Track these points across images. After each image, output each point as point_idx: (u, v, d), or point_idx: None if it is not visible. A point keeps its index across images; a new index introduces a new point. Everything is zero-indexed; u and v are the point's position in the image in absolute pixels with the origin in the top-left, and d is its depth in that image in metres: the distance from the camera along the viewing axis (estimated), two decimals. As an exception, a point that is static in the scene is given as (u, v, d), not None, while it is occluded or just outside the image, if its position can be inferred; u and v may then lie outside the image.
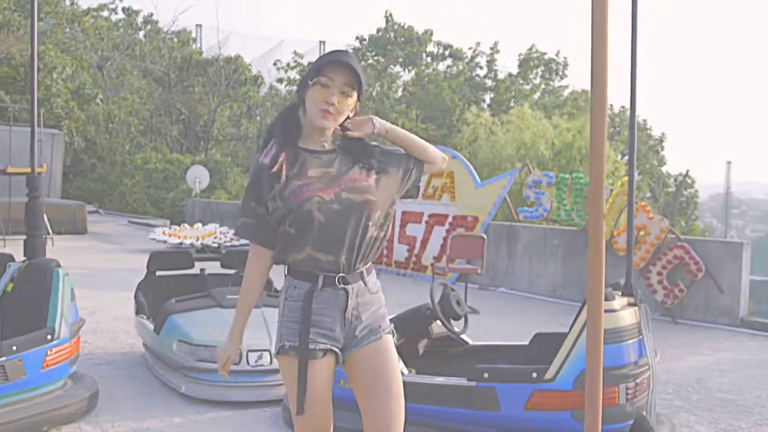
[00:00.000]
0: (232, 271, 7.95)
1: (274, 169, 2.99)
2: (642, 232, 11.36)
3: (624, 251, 11.44)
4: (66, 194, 32.48)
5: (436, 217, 14.86)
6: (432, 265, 13.42)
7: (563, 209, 12.65)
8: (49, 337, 5.48)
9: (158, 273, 7.69)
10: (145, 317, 7.09)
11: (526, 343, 6.03)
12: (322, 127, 3.03)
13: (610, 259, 11.81)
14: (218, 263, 7.99)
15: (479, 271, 11.48)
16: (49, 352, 5.46)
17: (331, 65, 2.98)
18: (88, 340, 8.16)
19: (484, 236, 11.56)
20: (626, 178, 12.67)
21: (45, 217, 18.61)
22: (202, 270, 7.99)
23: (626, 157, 28.44)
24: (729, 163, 70.12)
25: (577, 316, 5.10)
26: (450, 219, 14.58)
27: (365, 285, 3.09)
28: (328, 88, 2.97)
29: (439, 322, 5.54)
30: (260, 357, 6.01)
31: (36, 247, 6.20)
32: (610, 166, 23.83)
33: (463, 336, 5.84)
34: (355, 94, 3.04)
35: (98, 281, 12.70)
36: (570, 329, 5.01)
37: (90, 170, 36.93)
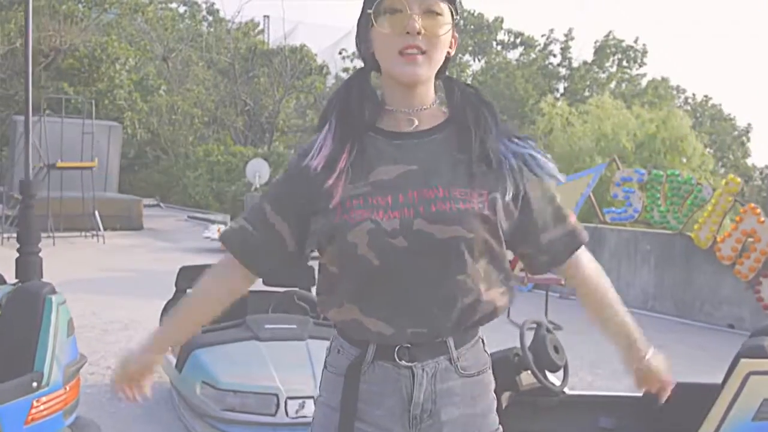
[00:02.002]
0: (278, 289, 6.74)
1: (317, 165, 1.89)
2: (751, 239, 9.94)
3: (730, 259, 10.08)
4: (130, 186, 32.47)
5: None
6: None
7: (657, 210, 11.28)
8: (35, 384, 4.32)
9: (189, 291, 6.52)
10: (170, 348, 5.92)
11: (639, 394, 4.68)
12: (409, 80, 1.88)
13: (713, 268, 10.46)
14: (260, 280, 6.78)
15: (563, 282, 10.12)
16: (35, 403, 4.31)
17: None
18: (112, 364, 7.06)
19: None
20: (731, 176, 11.29)
21: (96, 213, 18.39)
22: (241, 286, 6.79)
23: (709, 150, 26.76)
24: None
25: (735, 363, 3.73)
26: (528, 219, 13.25)
27: (452, 363, 1.89)
28: (402, 11, 1.84)
29: (530, 372, 4.24)
30: (302, 406, 4.78)
31: (29, 266, 5.07)
32: (697, 159, 22.20)
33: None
34: (447, 11, 1.89)
35: (142, 286, 11.71)
36: (723, 384, 3.67)
37: (154, 162, 36.69)
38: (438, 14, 1.85)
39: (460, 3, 1.96)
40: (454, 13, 1.89)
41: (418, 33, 1.82)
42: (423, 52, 1.85)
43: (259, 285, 6.55)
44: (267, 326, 5.36)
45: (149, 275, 13.09)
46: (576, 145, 21.88)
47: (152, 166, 36.54)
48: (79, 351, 4.87)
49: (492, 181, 1.88)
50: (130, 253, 16.30)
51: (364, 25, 1.93)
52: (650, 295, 11.69)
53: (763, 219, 9.97)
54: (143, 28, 38.30)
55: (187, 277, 6.44)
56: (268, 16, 47.69)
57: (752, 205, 10.32)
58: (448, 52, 1.93)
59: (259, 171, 24.53)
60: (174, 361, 5.56)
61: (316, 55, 41.07)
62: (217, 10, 45.16)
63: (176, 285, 6.52)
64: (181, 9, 43.80)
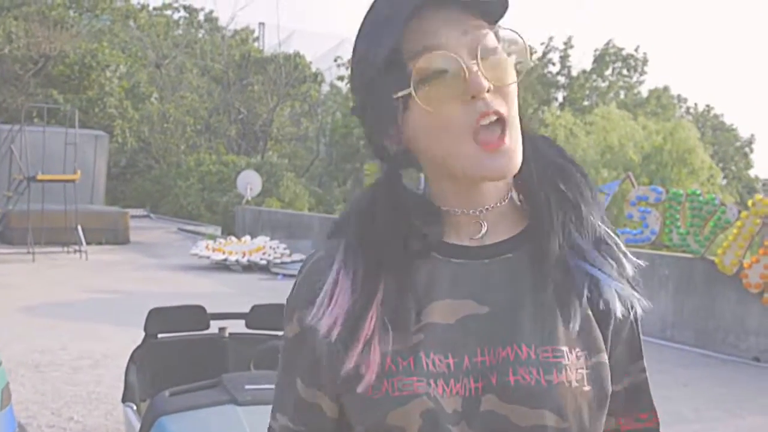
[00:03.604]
0: (260, 332, 5.91)
1: (326, 331, 1.21)
2: (780, 262, 9.20)
3: (758, 287, 9.33)
4: (121, 195, 32.01)
5: (516, 236, 12.82)
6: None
7: (676, 232, 10.55)
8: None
9: (161, 336, 5.70)
10: (134, 407, 5.10)
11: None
12: (501, 175, 1.19)
13: (737, 295, 9.73)
14: (242, 321, 5.97)
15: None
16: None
17: (429, 15, 1.18)
18: (75, 415, 6.27)
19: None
20: (759, 196, 10.53)
21: (79, 227, 17.77)
22: (221, 329, 5.96)
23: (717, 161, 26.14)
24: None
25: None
26: (534, 239, 12.54)
27: None
28: (448, 69, 1.16)
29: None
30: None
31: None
32: (705, 172, 21.60)
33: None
34: (497, 43, 1.21)
35: (121, 311, 10.97)
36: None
37: (145, 171, 36.45)
38: (494, 51, 1.18)
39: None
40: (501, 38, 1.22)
41: (488, 91, 1.14)
42: (499, 118, 1.15)
43: (240, 327, 5.79)
44: (247, 387, 4.53)
45: (130, 298, 12.40)
46: (581, 158, 21.28)
47: (143, 175, 36.30)
48: (17, 423, 4.05)
49: (594, 331, 1.23)
50: (112, 271, 15.61)
51: (387, 111, 1.20)
52: (669, 323, 10.93)
53: (793, 241, 9.23)
54: (136, 35, 38.06)
55: (158, 320, 5.60)
56: (263, 23, 47.65)
57: (780, 224, 9.59)
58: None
59: (250, 183, 23.99)
60: (137, 428, 4.74)
61: (310, 62, 40.98)
62: (216, 18, 45.03)
63: (145, 329, 5.68)
64: (176, 16, 43.58)
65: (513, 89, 1.18)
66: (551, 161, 1.28)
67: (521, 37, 1.21)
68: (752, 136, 43.60)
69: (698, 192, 10.92)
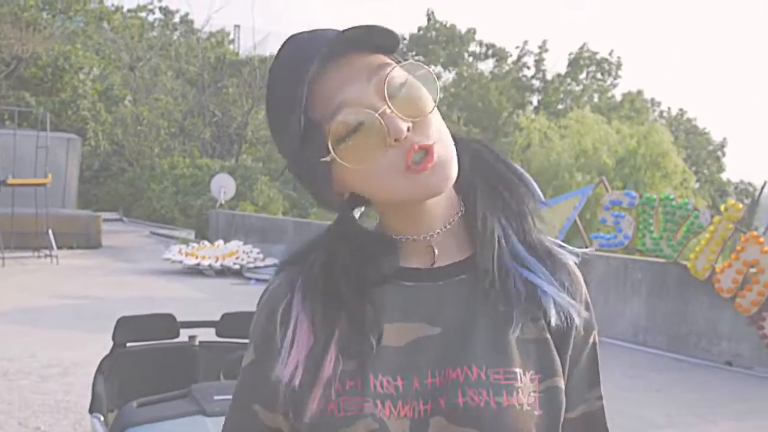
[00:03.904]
0: (231, 341, 5.85)
1: (289, 377, 1.19)
2: (754, 270, 9.23)
3: (730, 292, 9.35)
4: (94, 198, 32.06)
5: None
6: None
7: (649, 237, 10.54)
8: None
9: (129, 345, 5.62)
10: (101, 418, 5.02)
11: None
12: (435, 192, 1.17)
13: (710, 300, 9.76)
14: (212, 329, 5.90)
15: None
16: None
17: (329, 74, 1.18)
18: (42, 425, 6.17)
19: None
20: (731, 201, 10.56)
21: (50, 232, 17.58)
22: (191, 338, 5.90)
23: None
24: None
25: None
26: (508, 244, 12.49)
27: None
28: (364, 122, 1.15)
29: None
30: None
31: None
32: (679, 175, 21.70)
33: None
34: (403, 75, 1.18)
35: (92, 317, 10.85)
36: None
37: (119, 174, 36.18)
38: (402, 85, 1.16)
39: (401, 38, 1.27)
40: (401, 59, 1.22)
41: (408, 129, 1.14)
42: (427, 150, 1.14)
43: (211, 335, 5.73)
44: (217, 398, 4.46)
45: (101, 304, 12.25)
46: (555, 161, 21.33)
47: (116, 179, 36.00)
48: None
49: (551, 354, 1.22)
50: (83, 276, 15.41)
51: (319, 175, 1.21)
52: (641, 328, 10.94)
53: (767, 249, 9.24)
54: (110, 37, 37.79)
55: (126, 329, 5.52)
56: (238, 26, 47.45)
57: (754, 233, 9.59)
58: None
59: (224, 186, 23.83)
60: (105, 436, 4.67)
61: (286, 65, 40.79)
62: (191, 20, 44.83)
63: (114, 338, 5.60)
64: (151, 18, 43.34)
65: (434, 115, 1.17)
66: (493, 171, 1.27)
67: (422, 65, 1.20)
68: (724, 139, 43.86)
69: (671, 197, 10.93)
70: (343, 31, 1.14)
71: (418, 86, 1.17)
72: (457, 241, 1.26)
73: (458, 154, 1.19)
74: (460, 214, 1.25)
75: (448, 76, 43.30)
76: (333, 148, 1.14)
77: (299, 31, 1.21)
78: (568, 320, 1.23)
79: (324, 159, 1.15)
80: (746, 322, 9.44)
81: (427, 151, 1.12)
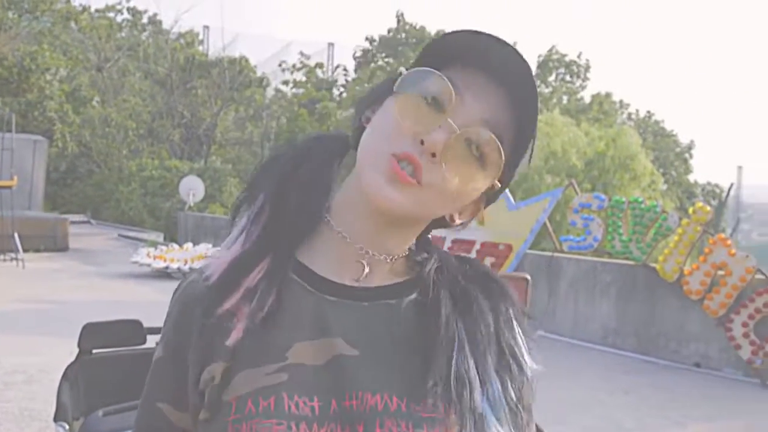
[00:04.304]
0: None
1: (224, 308, 1.12)
2: (721, 272, 9.27)
3: (698, 294, 9.41)
4: (61, 201, 31.75)
5: (460, 243, 12.69)
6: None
7: (619, 239, 10.56)
8: None
9: (95, 351, 5.53)
10: (66, 427, 4.93)
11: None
12: (384, 206, 1.10)
13: (679, 302, 9.82)
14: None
15: (521, 320, 9.37)
16: None
17: (477, 59, 1.11)
18: (6, 433, 6.06)
19: (528, 278, 9.41)
20: (699, 204, 10.61)
21: (16, 235, 17.33)
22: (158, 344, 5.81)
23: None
24: (740, 167, 69.28)
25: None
26: (477, 246, 12.44)
27: None
28: (440, 109, 1.08)
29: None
30: None
31: None
32: (647, 177, 21.82)
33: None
34: (497, 150, 1.09)
35: (58, 321, 10.67)
36: None
37: (86, 176, 35.82)
38: (481, 147, 1.08)
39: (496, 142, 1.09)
40: (515, 155, 1.14)
41: (433, 154, 1.06)
42: (416, 167, 1.07)
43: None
44: (184, 405, 4.40)
45: (68, 308, 12.08)
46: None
47: (84, 181, 35.70)
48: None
49: (469, 394, 1.12)
50: (50, 280, 15.19)
51: (385, 86, 1.16)
52: (611, 330, 10.97)
53: (734, 251, 9.30)
54: (77, 37, 37.45)
55: (92, 335, 5.43)
56: (207, 27, 47.25)
57: (722, 235, 9.65)
58: (477, 201, 1.20)
59: (193, 189, 23.69)
60: (69, 448, 4.58)
61: (255, 66, 40.66)
62: (159, 21, 44.53)
63: (79, 345, 5.50)
64: (119, 18, 42.99)
65: (473, 177, 1.09)
66: (479, 275, 1.22)
67: (500, 149, 1.09)
68: (692, 141, 44.18)
69: (640, 199, 10.96)
70: (529, 76, 1.08)
71: (485, 168, 1.09)
72: (391, 269, 1.19)
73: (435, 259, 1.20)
74: (404, 255, 1.20)
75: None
76: (400, 80, 1.10)
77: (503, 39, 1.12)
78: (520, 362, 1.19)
79: (401, 76, 1.11)
80: (714, 324, 9.49)
81: (417, 173, 1.06)
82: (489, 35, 1.08)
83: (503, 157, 1.08)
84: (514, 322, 1.19)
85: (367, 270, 1.16)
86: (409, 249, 1.21)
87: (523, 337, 1.21)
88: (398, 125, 1.07)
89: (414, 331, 1.15)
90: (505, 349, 1.16)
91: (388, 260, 1.18)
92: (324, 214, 1.17)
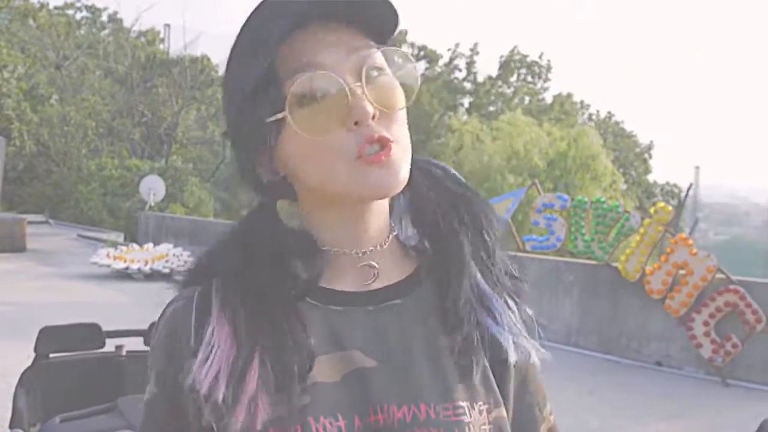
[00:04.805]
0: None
1: (207, 390, 1.00)
2: (683, 271, 9.34)
3: (660, 293, 9.47)
4: (19, 200, 31.41)
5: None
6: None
7: (581, 239, 10.58)
8: None
9: (52, 356, 5.42)
10: (23, 434, 4.83)
11: None
12: (383, 192, 1.05)
13: (641, 302, 9.87)
14: (140, 339, 5.73)
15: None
16: None
17: (316, 20, 1.05)
18: (-41, 440, 5.90)
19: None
20: (661, 204, 10.68)
21: None
22: (118, 347, 5.71)
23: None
24: (697, 168, 70.42)
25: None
26: (441, 246, 12.47)
27: None
28: (330, 93, 1.03)
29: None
30: None
31: None
32: (608, 177, 22.01)
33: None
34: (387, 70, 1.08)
35: (15, 325, 10.48)
36: None
37: (45, 176, 35.45)
38: (381, 72, 1.06)
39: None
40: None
41: (373, 117, 1.02)
42: (384, 145, 1.02)
43: (139, 344, 5.56)
44: (145, 410, 4.32)
45: (25, 310, 11.89)
46: (487, 163, 21.47)
47: (42, 180, 35.34)
48: None
49: (493, 384, 1.11)
50: (6, 281, 14.99)
51: (259, 135, 1.07)
52: (574, 329, 11.01)
53: (695, 251, 9.36)
54: (35, 35, 37.02)
55: (49, 339, 5.32)
56: (168, 25, 46.89)
57: (683, 235, 9.71)
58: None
59: (153, 189, 23.52)
60: (25, 457, 4.49)
61: (217, 65, 40.43)
62: (120, 19, 44.20)
63: (36, 349, 5.40)
64: (78, 16, 42.58)
65: (401, 113, 1.06)
66: (448, 189, 1.17)
67: (411, 59, 1.10)
68: (651, 142, 44.67)
69: (603, 199, 10.99)
70: None
71: (392, 79, 1.07)
72: (391, 263, 1.14)
73: (416, 174, 1.11)
74: (393, 233, 1.15)
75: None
76: (289, 109, 1.01)
77: None
78: (527, 359, 1.15)
79: (275, 117, 1.03)
80: (676, 323, 9.54)
81: (383, 144, 1.01)
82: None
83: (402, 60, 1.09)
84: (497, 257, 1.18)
85: (376, 272, 1.12)
86: (396, 237, 1.16)
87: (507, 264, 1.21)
88: (327, 133, 1.02)
89: (429, 328, 1.11)
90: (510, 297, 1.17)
91: (384, 246, 1.13)
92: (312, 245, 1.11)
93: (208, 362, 1.01)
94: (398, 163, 1.03)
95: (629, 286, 10.10)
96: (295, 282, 1.07)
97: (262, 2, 1.05)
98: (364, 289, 1.11)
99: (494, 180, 20.16)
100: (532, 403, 1.19)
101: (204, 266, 1.13)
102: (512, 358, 1.11)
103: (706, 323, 9.18)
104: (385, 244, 1.13)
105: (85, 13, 43.08)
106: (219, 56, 42.39)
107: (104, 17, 44.16)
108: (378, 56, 1.05)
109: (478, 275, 1.14)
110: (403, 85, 1.07)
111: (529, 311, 1.20)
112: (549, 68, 41.95)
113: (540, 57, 42.05)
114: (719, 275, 9.20)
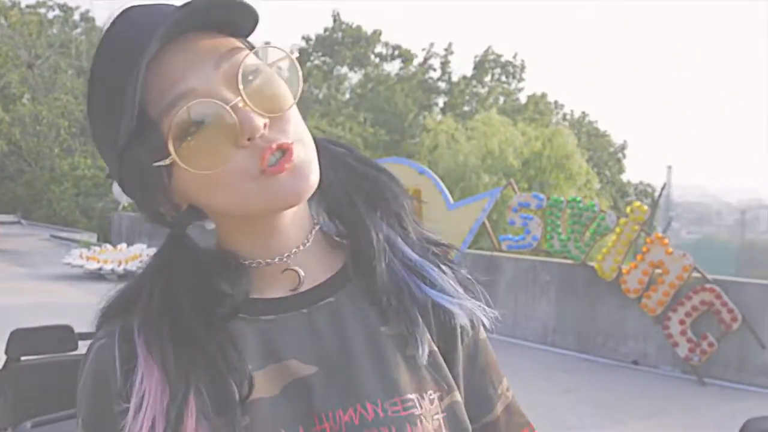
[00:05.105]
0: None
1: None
2: (659, 270, 9.36)
3: (636, 293, 9.49)
4: None
5: (400, 243, 12.67)
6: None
7: (557, 238, 10.58)
8: None
9: (24, 359, 5.34)
10: (-8, 438, 4.76)
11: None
12: (297, 198, 0.99)
13: (617, 301, 9.89)
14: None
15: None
16: None
17: (169, 58, 0.96)
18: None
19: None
20: (637, 203, 10.69)
21: None
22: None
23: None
24: (670, 167, 71.03)
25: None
26: (417, 246, 12.42)
27: None
28: (230, 116, 0.94)
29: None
30: None
31: None
32: (582, 177, 22.11)
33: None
34: (260, 63, 0.99)
35: (-14, 327, 10.32)
36: None
37: (17, 176, 35.19)
38: (258, 72, 0.98)
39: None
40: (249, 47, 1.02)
41: (265, 126, 0.95)
42: (287, 151, 0.96)
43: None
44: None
45: (-3, 311, 11.73)
46: (462, 163, 21.49)
47: (14, 180, 35.11)
48: None
49: (443, 369, 1.07)
50: (-22, 282, 14.78)
51: (149, 181, 0.99)
52: (550, 329, 11.02)
53: (671, 250, 9.37)
54: (7, 33, 36.70)
55: (20, 342, 5.24)
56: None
57: (659, 234, 9.72)
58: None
59: (127, 189, 23.30)
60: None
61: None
62: (92, 17, 43.88)
63: (7, 352, 5.31)
64: (50, 15, 42.26)
65: (293, 108, 1.00)
66: (352, 169, 1.12)
67: (285, 51, 1.01)
68: (624, 142, 45.00)
69: (578, 199, 11.00)
70: (187, 3, 0.93)
71: (276, 76, 0.99)
72: (318, 260, 1.09)
73: (318, 159, 1.04)
74: (316, 228, 1.10)
75: (355, 76, 43.31)
76: (173, 148, 0.93)
77: (134, 5, 1.00)
78: (476, 324, 1.12)
79: (160, 162, 0.94)
80: (652, 322, 9.57)
81: (285, 150, 0.95)
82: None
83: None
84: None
85: (302, 275, 1.06)
86: (320, 227, 1.11)
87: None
88: (222, 162, 0.94)
89: (366, 321, 1.06)
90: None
91: (307, 244, 1.07)
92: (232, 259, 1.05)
93: (142, 411, 0.95)
94: (305, 164, 0.97)
95: (606, 285, 10.11)
96: (221, 301, 1.01)
97: (110, 29, 0.97)
98: (294, 293, 1.06)
99: (469, 179, 20.18)
100: (485, 380, 1.14)
101: (124, 303, 1.05)
102: (460, 320, 1.07)
103: (682, 322, 9.20)
104: (308, 241, 1.08)
105: (57, 11, 42.71)
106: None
107: (76, 16, 43.77)
108: (250, 58, 0.97)
109: (405, 248, 1.09)
110: (286, 80, 1.00)
111: (464, 272, 1.15)
112: (523, 68, 42.07)
113: (514, 57, 42.22)
114: (695, 274, 9.22)
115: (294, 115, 0.99)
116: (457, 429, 1.04)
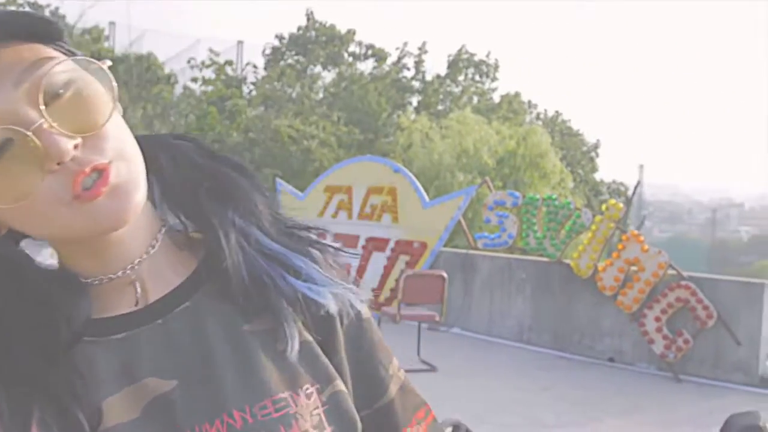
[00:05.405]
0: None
1: None
2: (635, 267, 9.39)
3: (612, 290, 9.51)
4: None
5: (375, 241, 12.66)
6: (374, 302, 11.17)
7: (533, 236, 10.59)
8: None
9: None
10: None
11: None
12: (114, 223, 0.88)
13: (593, 298, 9.90)
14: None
15: (438, 318, 9.36)
16: None
17: None
18: None
19: (445, 275, 9.40)
20: (612, 201, 10.72)
21: None
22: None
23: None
24: (642, 166, 71.61)
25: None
26: (392, 244, 12.43)
27: None
28: (33, 141, 0.82)
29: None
30: None
31: None
32: (557, 176, 22.15)
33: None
34: (68, 75, 0.87)
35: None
36: None
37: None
38: (67, 85, 0.87)
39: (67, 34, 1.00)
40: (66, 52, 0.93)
41: (76, 147, 0.85)
42: (102, 173, 0.86)
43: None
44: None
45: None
46: (436, 162, 21.47)
47: None
48: None
49: (320, 358, 1.00)
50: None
51: None
52: (526, 326, 11.02)
53: (646, 247, 9.39)
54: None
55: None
56: (113, 23, 46.16)
57: (635, 232, 9.73)
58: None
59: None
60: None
61: (163, 63, 39.90)
62: (63, 15, 43.36)
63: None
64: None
65: (111, 123, 0.89)
66: (195, 164, 1.02)
67: (93, 60, 0.91)
68: (597, 141, 44.92)
69: (554, 197, 11.01)
70: None
71: (87, 89, 0.88)
72: (169, 264, 1.00)
73: (160, 156, 0.97)
74: (163, 230, 1.01)
75: (328, 75, 43.15)
76: None
77: None
78: (350, 310, 1.03)
79: None
80: (628, 320, 9.59)
81: (101, 172, 0.85)
82: None
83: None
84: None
85: (140, 288, 0.97)
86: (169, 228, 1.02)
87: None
88: (28, 194, 0.84)
89: (226, 321, 0.98)
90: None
91: (151, 250, 0.98)
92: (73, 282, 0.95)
93: None
94: (126, 183, 0.88)
95: (581, 282, 10.12)
96: (61, 325, 0.90)
97: None
98: (142, 306, 0.96)
99: (444, 178, 20.16)
100: (373, 362, 1.07)
101: None
102: (332, 308, 1.00)
103: (657, 319, 9.23)
104: (155, 246, 0.98)
105: (26, 9, 42.31)
106: (164, 54, 41.92)
107: (46, 14, 43.34)
108: (56, 70, 0.86)
109: (264, 239, 1.01)
110: (101, 91, 0.90)
111: (336, 248, 1.09)
112: (497, 67, 41.96)
113: (487, 56, 42.09)
114: (670, 271, 9.26)
115: (112, 129, 0.89)
116: (342, 420, 0.97)
